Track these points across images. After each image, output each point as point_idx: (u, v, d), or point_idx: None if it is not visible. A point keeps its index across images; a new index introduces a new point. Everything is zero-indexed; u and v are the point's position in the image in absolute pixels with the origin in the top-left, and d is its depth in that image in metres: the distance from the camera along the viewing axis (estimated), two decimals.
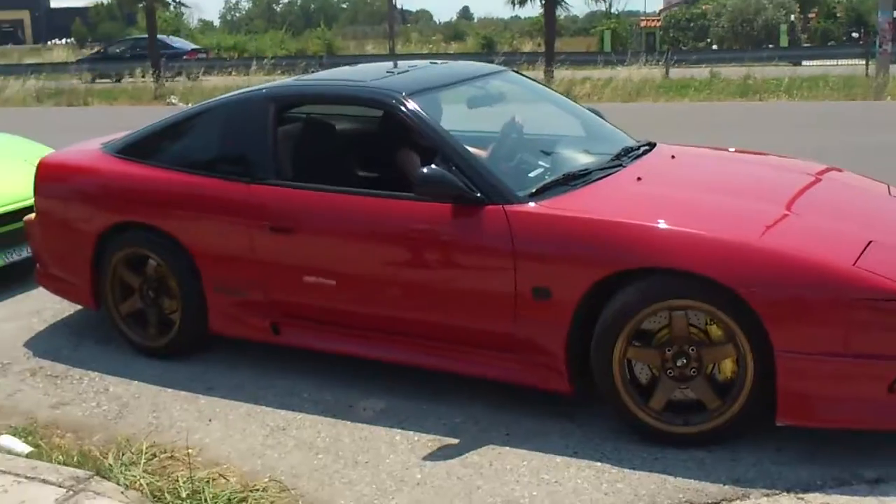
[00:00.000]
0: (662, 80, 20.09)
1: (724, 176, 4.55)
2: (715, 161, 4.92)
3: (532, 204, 3.83)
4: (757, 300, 3.34)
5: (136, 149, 4.86)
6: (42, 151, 6.27)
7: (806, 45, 35.73)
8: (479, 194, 3.87)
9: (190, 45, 30.52)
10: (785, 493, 3.28)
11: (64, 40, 55.42)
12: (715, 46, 37.20)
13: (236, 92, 4.93)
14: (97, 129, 6.03)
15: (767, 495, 3.27)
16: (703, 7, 43.24)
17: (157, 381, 4.51)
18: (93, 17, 56.95)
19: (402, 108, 4.18)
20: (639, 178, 4.16)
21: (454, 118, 4.58)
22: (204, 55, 29.71)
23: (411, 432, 3.89)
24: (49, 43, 54.41)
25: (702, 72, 20.92)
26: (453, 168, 3.92)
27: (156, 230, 4.62)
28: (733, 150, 5.22)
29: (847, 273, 3.33)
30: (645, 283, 3.54)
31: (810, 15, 42.79)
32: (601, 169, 4.24)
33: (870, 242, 3.56)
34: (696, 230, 3.55)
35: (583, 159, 4.46)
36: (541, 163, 4.39)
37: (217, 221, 4.48)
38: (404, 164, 4.37)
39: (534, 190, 3.92)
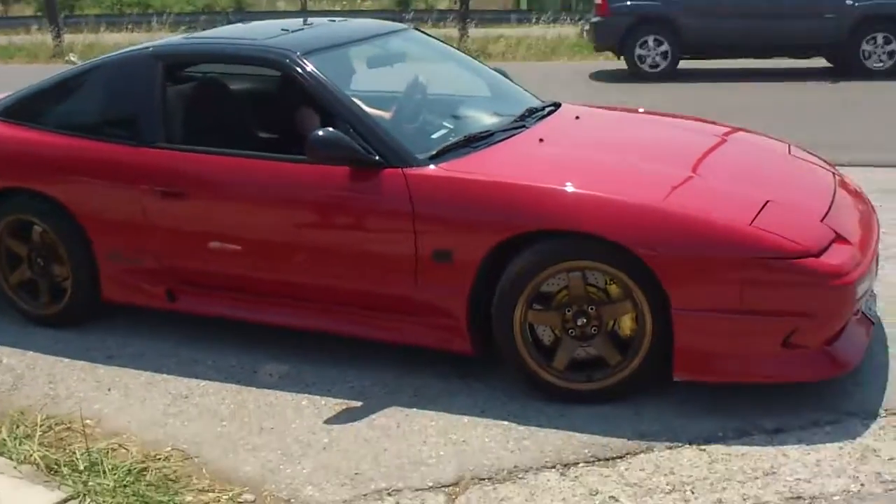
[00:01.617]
0: (577, 39, 20.10)
1: (628, 137, 4.55)
2: (621, 122, 4.94)
3: (432, 166, 3.80)
4: (654, 260, 3.38)
5: (19, 111, 4.69)
6: None
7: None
8: (377, 157, 3.81)
9: None
10: (687, 446, 3.34)
11: None
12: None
13: (121, 51, 4.76)
14: None
15: (670, 448, 3.33)
16: None
17: (54, 352, 4.38)
18: None
19: (297, 68, 4.08)
20: (541, 140, 4.15)
21: (353, 78, 4.52)
22: None
23: (318, 396, 3.86)
24: None
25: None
26: (350, 130, 3.86)
27: (42, 196, 4.46)
28: (642, 110, 5.24)
29: (744, 232, 3.38)
30: (542, 245, 3.54)
31: None
32: (503, 130, 4.22)
33: (767, 202, 3.62)
34: (593, 191, 3.56)
35: (487, 120, 4.43)
36: (444, 124, 4.36)
37: (105, 186, 4.34)
38: (301, 126, 4.29)
39: (434, 152, 3.88)
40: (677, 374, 3.49)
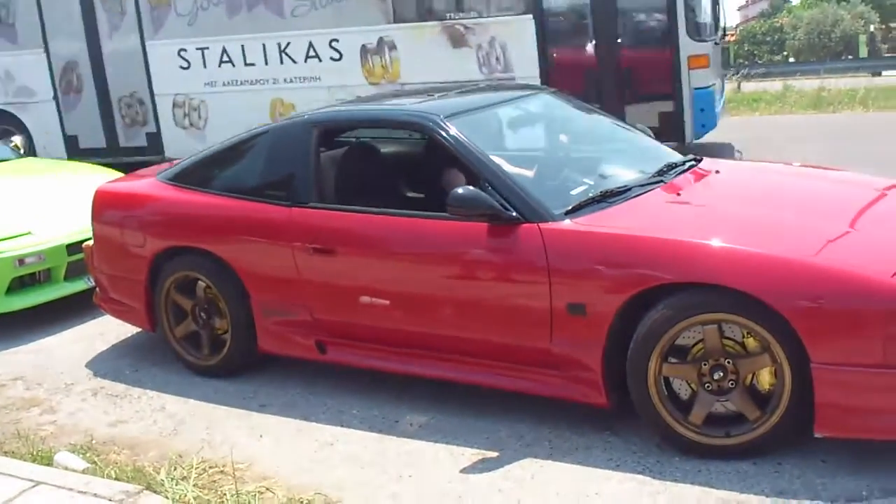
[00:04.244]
0: (732, 95, 19.78)
1: (768, 190, 4.51)
2: (762, 175, 4.88)
3: (567, 221, 3.87)
4: (792, 313, 3.32)
5: (187, 176, 5.06)
6: None
7: (887, 55, 34.80)
8: (514, 213, 3.92)
9: None
10: None
11: None
12: (791, 59, 36.54)
13: (281, 119, 5.08)
14: None
15: None
16: (781, 20, 42.52)
17: (212, 399, 4.66)
18: None
19: (440, 131, 4.26)
20: (678, 194, 4.16)
21: (495, 138, 4.66)
22: None
23: (455, 446, 3.95)
24: None
25: (775, 85, 20.56)
26: (489, 188, 3.98)
27: (205, 253, 4.78)
28: (797, 164, 5.14)
29: (884, 284, 3.29)
30: (675, 298, 3.54)
31: (892, 24, 41.80)
32: (640, 185, 4.26)
33: None
34: (726, 244, 3.55)
35: (626, 176, 4.47)
36: (585, 180, 4.42)
37: (263, 244, 4.62)
38: (446, 185, 4.45)
39: (569, 208, 3.95)
40: (818, 430, 3.40)
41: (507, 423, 4.09)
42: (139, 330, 5.59)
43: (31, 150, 11.02)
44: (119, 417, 4.54)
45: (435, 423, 4.18)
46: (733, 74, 22.21)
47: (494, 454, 3.84)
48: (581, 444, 3.85)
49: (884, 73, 24.08)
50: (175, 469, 3.83)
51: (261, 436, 4.22)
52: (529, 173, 4.37)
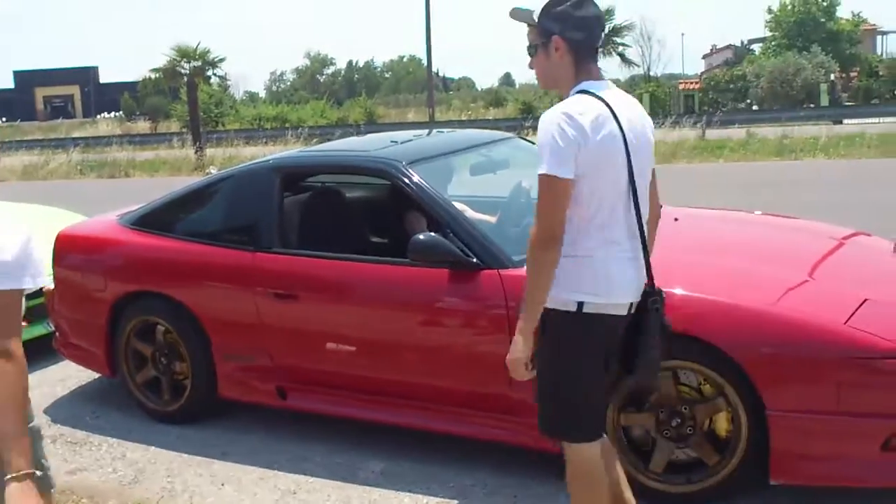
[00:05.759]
0: (697, 142, 20.11)
1: (726, 238, 4.58)
2: (721, 224, 4.95)
3: None
4: (746, 360, 3.36)
5: (149, 220, 5.04)
6: None
7: (847, 104, 35.51)
8: (474, 259, 3.94)
9: None
10: None
11: (112, 114, 56.99)
12: (755, 107, 37.23)
13: (244, 164, 5.11)
14: (137, 200, 6.17)
15: None
16: (744, 69, 43.38)
17: (174, 447, 4.61)
18: (140, 91, 58.38)
19: (402, 177, 4.29)
20: None
21: (459, 185, 4.69)
22: None
23: (419, 495, 3.93)
24: (98, 117, 56.05)
25: (739, 132, 20.92)
26: (450, 234, 4.01)
27: (166, 298, 4.76)
28: (757, 212, 5.20)
29: (837, 332, 3.33)
30: None
31: (851, 74, 42.72)
32: None
33: (865, 301, 3.56)
34: (684, 292, 3.58)
35: None
36: None
37: (224, 289, 4.61)
38: (409, 231, 4.47)
39: None
40: (774, 477, 3.42)
41: (471, 471, 4.08)
42: (101, 375, 5.53)
43: None
44: (78, 465, 4.48)
45: (398, 470, 4.16)
46: (697, 122, 22.61)
47: (457, 503, 3.83)
48: (544, 492, 3.85)
49: (844, 121, 24.61)
50: None
51: (222, 484, 4.18)
52: (492, 219, 4.41)
